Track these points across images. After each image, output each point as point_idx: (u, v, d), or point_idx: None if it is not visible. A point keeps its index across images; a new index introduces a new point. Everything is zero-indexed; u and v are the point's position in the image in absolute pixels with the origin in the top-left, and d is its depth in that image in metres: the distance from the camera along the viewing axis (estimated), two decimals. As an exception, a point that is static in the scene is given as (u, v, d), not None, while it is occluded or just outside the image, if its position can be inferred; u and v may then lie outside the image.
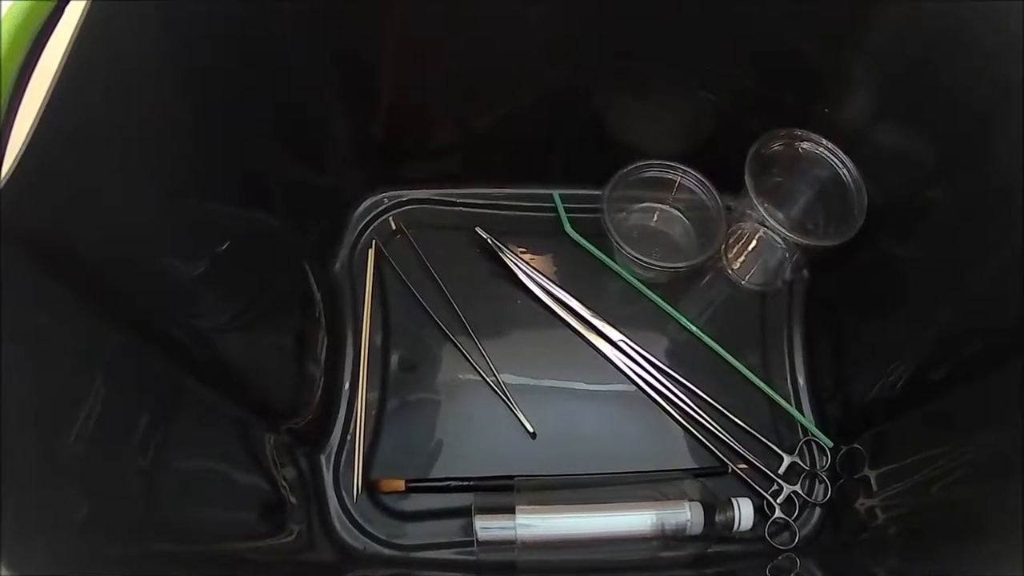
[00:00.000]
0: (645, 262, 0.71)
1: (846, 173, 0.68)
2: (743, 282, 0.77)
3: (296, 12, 0.58)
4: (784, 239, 0.72)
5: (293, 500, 0.64)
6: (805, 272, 0.77)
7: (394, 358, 0.73)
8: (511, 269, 0.75)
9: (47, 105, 0.39)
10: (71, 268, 0.42)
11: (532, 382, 0.73)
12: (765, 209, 0.65)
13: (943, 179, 0.60)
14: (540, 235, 0.78)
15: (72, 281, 0.42)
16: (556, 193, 0.78)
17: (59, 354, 0.41)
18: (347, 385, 0.72)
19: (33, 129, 0.39)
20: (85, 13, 0.42)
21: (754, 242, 0.76)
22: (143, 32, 0.47)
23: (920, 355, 0.63)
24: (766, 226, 0.68)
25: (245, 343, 0.62)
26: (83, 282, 0.43)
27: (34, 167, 0.38)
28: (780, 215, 0.71)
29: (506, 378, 0.72)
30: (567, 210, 0.78)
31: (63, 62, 0.41)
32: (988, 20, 0.53)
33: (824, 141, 0.68)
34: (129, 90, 0.46)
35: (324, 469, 0.69)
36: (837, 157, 0.68)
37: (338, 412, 0.71)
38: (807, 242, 0.67)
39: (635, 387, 0.73)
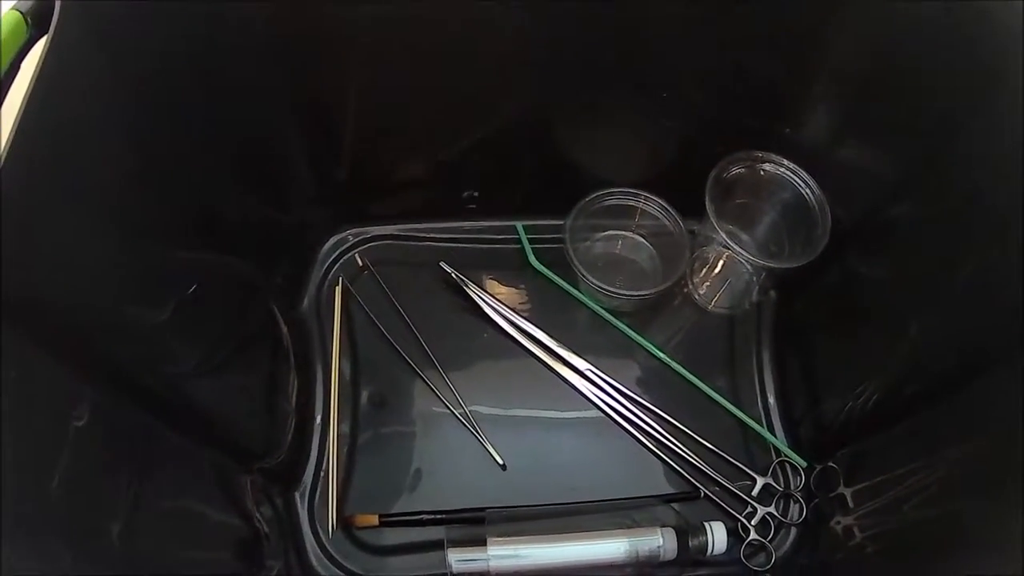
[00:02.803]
0: (609, 291, 0.72)
1: (809, 193, 0.68)
2: (710, 306, 0.78)
3: (254, 52, 0.59)
4: (749, 262, 0.72)
5: (270, 538, 0.64)
6: (772, 293, 0.77)
7: (364, 394, 0.73)
8: (477, 303, 0.75)
9: (3, 156, 0.40)
10: (36, 321, 0.42)
11: (501, 414, 0.73)
12: (728, 233, 0.66)
13: (905, 195, 0.61)
14: (506, 267, 0.79)
15: (38, 334, 0.42)
16: (519, 224, 0.79)
17: (30, 408, 0.41)
18: (318, 422, 0.72)
19: None
20: (40, 63, 0.43)
21: (719, 266, 0.77)
22: (97, 80, 0.48)
23: (891, 372, 0.63)
24: (731, 250, 0.68)
25: (215, 386, 0.62)
26: (49, 334, 0.43)
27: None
28: (744, 238, 0.71)
29: (475, 411, 0.72)
30: (532, 240, 0.78)
31: (20, 112, 0.41)
32: (947, 35, 0.53)
33: (785, 162, 0.69)
34: (84, 138, 0.46)
35: (299, 506, 0.69)
36: (799, 177, 0.68)
37: (310, 450, 0.71)
38: (772, 264, 0.67)
39: (604, 415, 0.73)
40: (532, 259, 0.77)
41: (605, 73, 0.66)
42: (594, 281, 0.72)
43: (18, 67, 0.43)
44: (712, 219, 0.66)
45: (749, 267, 0.75)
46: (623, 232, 0.78)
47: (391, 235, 0.79)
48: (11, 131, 0.40)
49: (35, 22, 0.44)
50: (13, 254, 0.40)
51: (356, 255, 0.78)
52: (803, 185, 0.68)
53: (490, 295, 0.75)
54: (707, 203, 0.67)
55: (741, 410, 0.73)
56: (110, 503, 0.46)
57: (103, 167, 0.49)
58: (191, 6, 0.52)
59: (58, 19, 0.43)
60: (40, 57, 0.43)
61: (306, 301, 0.77)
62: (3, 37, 0.42)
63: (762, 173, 0.69)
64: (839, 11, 0.59)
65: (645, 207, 0.75)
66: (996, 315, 0.51)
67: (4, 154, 0.39)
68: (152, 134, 0.53)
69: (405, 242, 0.79)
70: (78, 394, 0.45)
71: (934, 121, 0.57)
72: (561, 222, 0.75)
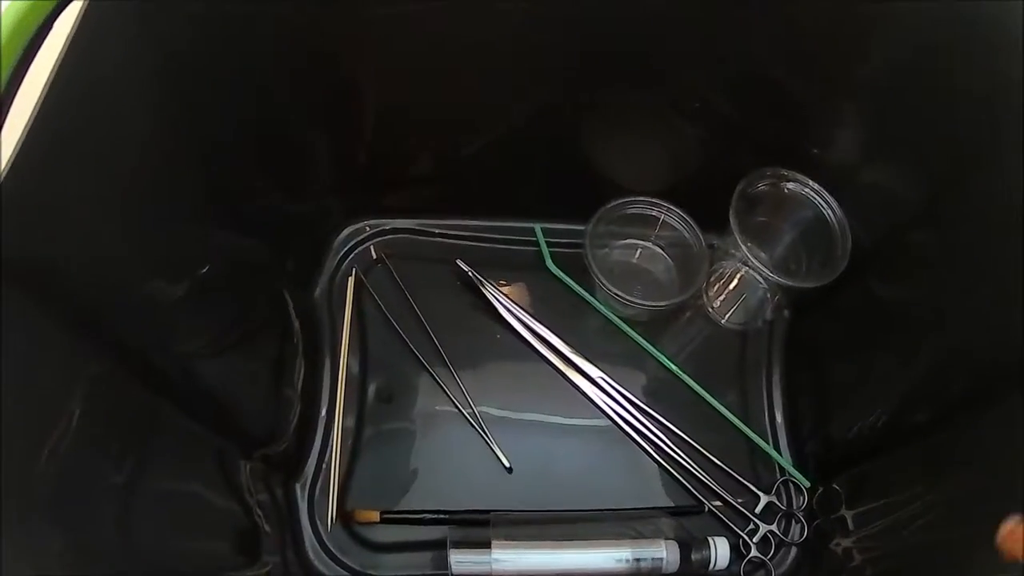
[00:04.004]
0: (625, 299, 0.71)
1: (831, 215, 0.68)
2: (723, 321, 0.77)
3: (279, 42, 0.58)
4: (766, 279, 0.72)
5: (267, 529, 0.63)
6: (786, 312, 0.77)
7: (372, 388, 0.73)
8: (491, 302, 0.74)
9: (31, 125, 0.39)
10: (49, 289, 0.41)
11: (510, 416, 0.72)
12: (748, 248, 0.66)
13: (924, 219, 0.61)
14: (521, 269, 0.78)
15: (49, 302, 0.41)
16: (538, 227, 0.78)
17: (33, 376, 0.40)
18: (324, 413, 0.71)
19: (16, 149, 0.38)
20: (71, 35, 0.42)
21: (735, 281, 0.77)
22: (127, 56, 0.47)
23: (899, 396, 0.64)
24: (749, 265, 0.68)
25: (222, 368, 0.61)
26: (60, 304, 0.42)
27: (14, 187, 0.38)
28: (763, 255, 0.71)
29: (483, 411, 0.72)
30: (549, 244, 0.78)
31: (48, 82, 0.40)
32: (977, 59, 0.54)
33: (810, 182, 0.68)
34: (110, 113, 0.46)
35: (299, 498, 0.68)
36: (822, 198, 0.68)
37: (314, 441, 0.70)
38: (789, 283, 0.67)
39: (613, 424, 0.72)
40: (549, 263, 0.77)
41: (630, 76, 0.65)
42: (612, 288, 0.71)
43: (51, 26, 0.42)
44: (736, 233, 0.66)
45: (765, 284, 0.75)
46: (642, 242, 0.78)
47: (407, 228, 0.79)
48: (41, 93, 0.40)
49: None
50: (33, 220, 0.40)
51: (371, 246, 0.78)
52: (825, 206, 0.68)
53: (505, 295, 0.75)
54: (731, 217, 0.66)
55: (749, 426, 0.73)
56: (107, 484, 0.45)
57: (127, 140, 0.48)
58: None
59: None
60: (76, 19, 0.43)
61: (318, 290, 0.76)
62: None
63: (786, 191, 0.69)
64: (866, 32, 0.59)
65: (667, 218, 0.75)
66: (1006, 343, 0.52)
67: (33, 117, 0.39)
68: (177, 110, 0.53)
69: (421, 237, 0.79)
70: (83, 368, 0.44)
71: (957, 151, 0.57)
72: (578, 227, 0.75)
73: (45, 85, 0.40)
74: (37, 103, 0.40)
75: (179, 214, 0.55)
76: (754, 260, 0.66)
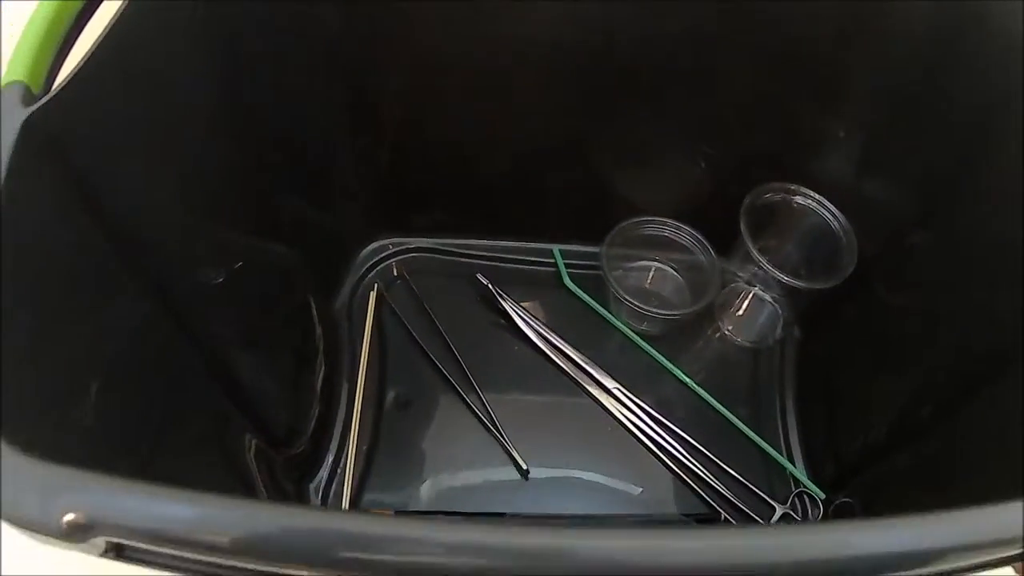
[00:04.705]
0: (641, 308, 0.73)
1: (836, 224, 0.71)
2: (736, 340, 0.79)
3: (314, 57, 0.63)
4: (772, 295, 0.75)
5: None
6: (796, 331, 0.78)
7: (390, 395, 0.74)
8: (510, 316, 0.76)
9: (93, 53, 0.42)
10: (101, 215, 0.43)
11: (526, 425, 0.73)
12: (758, 251, 0.68)
13: (925, 225, 0.63)
14: (539, 286, 0.80)
15: (99, 225, 0.43)
16: (556, 248, 0.81)
17: (71, 287, 0.41)
18: (341, 416, 0.72)
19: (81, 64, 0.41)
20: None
21: (746, 302, 0.79)
22: (178, 25, 0.50)
23: (907, 406, 0.64)
24: (757, 277, 0.71)
25: (249, 359, 0.62)
26: (108, 231, 0.44)
27: (88, 91, 0.40)
28: (771, 263, 0.73)
29: (500, 418, 0.72)
30: (566, 265, 0.80)
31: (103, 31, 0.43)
32: (972, 70, 0.57)
33: (814, 194, 0.71)
34: (156, 81, 0.48)
35: (313, 499, 0.68)
36: (826, 208, 0.71)
37: (330, 444, 0.71)
38: (800, 284, 0.69)
39: (628, 433, 0.73)
40: (567, 280, 0.79)
41: (644, 106, 0.69)
42: (627, 298, 0.73)
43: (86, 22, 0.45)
44: (747, 240, 0.68)
45: (774, 304, 0.77)
46: (655, 262, 0.81)
47: (429, 248, 0.81)
48: (103, 32, 0.42)
49: None
50: (97, 133, 0.42)
51: (393, 263, 0.80)
52: (830, 216, 0.71)
53: (524, 310, 0.77)
54: (741, 224, 0.69)
55: (763, 439, 0.73)
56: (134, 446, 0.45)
57: (180, 100, 0.51)
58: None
59: None
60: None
61: (340, 301, 0.78)
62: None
63: (794, 205, 0.72)
64: (863, 48, 0.63)
65: (677, 237, 0.78)
66: (1005, 340, 0.53)
67: (89, 54, 0.41)
68: (219, 97, 0.56)
69: (442, 256, 0.81)
70: (120, 294, 0.45)
71: (952, 160, 0.60)
72: (593, 249, 0.78)
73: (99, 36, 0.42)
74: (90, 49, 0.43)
75: (220, 207, 0.58)
76: (764, 264, 0.68)
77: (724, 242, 0.76)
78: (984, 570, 0.32)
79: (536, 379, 0.76)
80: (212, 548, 0.23)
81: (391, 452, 0.71)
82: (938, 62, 0.59)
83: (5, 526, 0.53)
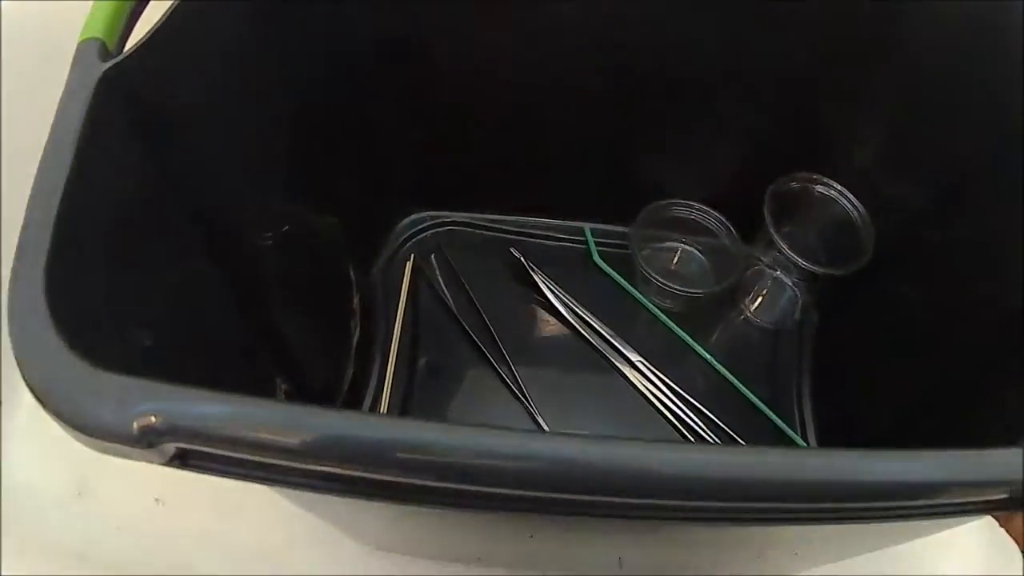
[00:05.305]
0: (667, 285, 0.77)
1: (855, 213, 0.73)
2: (757, 321, 0.82)
3: (367, 45, 0.67)
4: (793, 281, 0.77)
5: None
6: (815, 316, 0.81)
7: (421, 361, 0.77)
8: (541, 290, 0.80)
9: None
10: (165, 170, 0.46)
11: (552, 394, 0.76)
12: (780, 236, 0.71)
13: (939, 216, 0.66)
14: (569, 264, 0.83)
15: (163, 177, 0.46)
16: (587, 227, 0.84)
17: (135, 230, 0.43)
18: (374, 380, 0.75)
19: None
20: None
21: (768, 286, 0.81)
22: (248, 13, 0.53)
23: (918, 395, 0.66)
24: (779, 262, 0.74)
25: (290, 316, 0.66)
26: (171, 184, 0.47)
27: (161, 51, 0.43)
28: (792, 248, 0.75)
29: (528, 387, 0.75)
30: (595, 243, 0.84)
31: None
32: (988, 69, 0.59)
33: (835, 184, 0.74)
34: (233, 56, 0.52)
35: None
36: (847, 199, 0.74)
37: (361, 404, 0.74)
38: (818, 270, 0.72)
39: (649, 405, 0.76)
40: (596, 257, 0.82)
41: (677, 97, 0.72)
42: (655, 276, 0.77)
43: None
44: (769, 225, 0.71)
45: (793, 286, 0.80)
46: (682, 243, 0.84)
47: (465, 222, 0.85)
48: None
49: None
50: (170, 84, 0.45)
51: (429, 235, 0.84)
52: (851, 207, 0.74)
53: (555, 284, 0.80)
54: (765, 212, 0.72)
55: (779, 417, 0.76)
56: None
57: (248, 64, 0.54)
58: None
59: None
60: None
61: (377, 269, 0.81)
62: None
63: (815, 194, 0.75)
64: (886, 48, 0.65)
65: (703, 221, 0.81)
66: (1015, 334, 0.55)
67: (163, 19, 0.44)
68: (280, 70, 0.59)
69: (477, 230, 0.85)
70: (186, 248, 0.49)
71: (966, 145, 0.62)
72: (622, 229, 0.81)
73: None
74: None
75: (278, 176, 0.62)
76: (785, 249, 0.71)
77: (748, 227, 0.78)
78: (973, 513, 0.34)
79: (564, 351, 0.79)
80: (280, 449, 0.26)
81: (421, 416, 0.75)
82: (956, 61, 0.61)
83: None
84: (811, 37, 0.66)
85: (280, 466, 0.27)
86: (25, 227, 0.32)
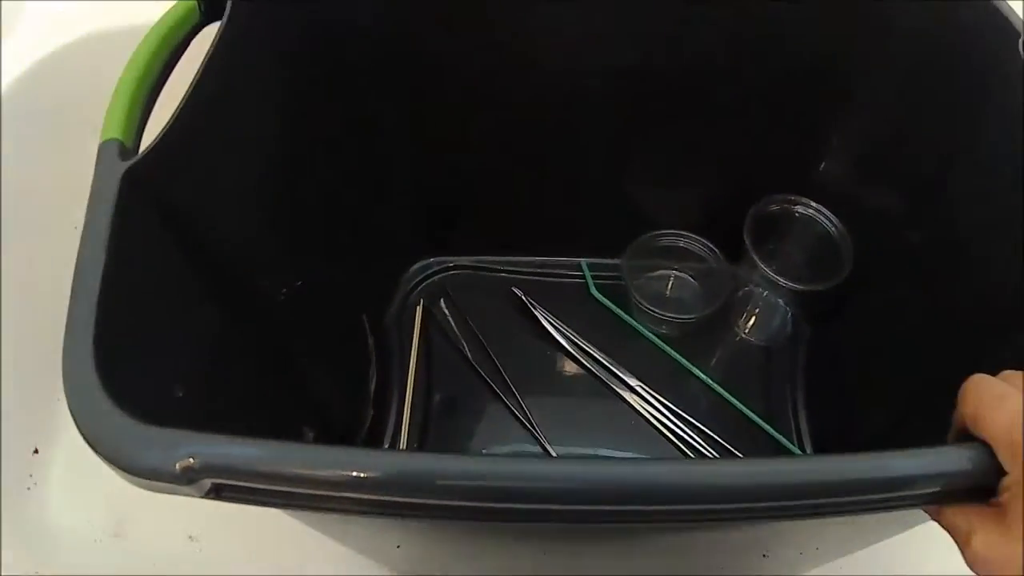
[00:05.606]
0: (658, 313, 0.82)
1: (833, 230, 0.78)
2: (750, 340, 0.86)
3: (384, 85, 0.73)
4: (781, 297, 0.82)
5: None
6: (806, 329, 0.86)
7: (436, 398, 0.82)
8: (543, 325, 0.85)
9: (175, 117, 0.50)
10: (186, 245, 0.51)
11: (558, 421, 0.81)
12: (760, 259, 0.76)
13: (915, 223, 0.70)
14: (568, 297, 0.88)
15: (186, 253, 0.51)
16: (584, 261, 0.90)
17: (162, 300, 0.48)
18: (392, 418, 0.80)
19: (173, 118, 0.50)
20: (213, 45, 0.53)
21: (759, 305, 0.86)
22: (258, 66, 0.59)
23: (911, 398, 0.68)
24: (765, 282, 0.78)
25: (311, 366, 0.71)
26: (192, 258, 0.52)
27: (174, 147, 0.48)
28: (775, 268, 0.79)
29: (536, 417, 0.80)
30: (592, 276, 0.89)
31: (193, 81, 0.51)
32: (954, 77, 0.64)
33: (812, 203, 0.79)
34: (240, 116, 0.57)
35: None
36: (825, 216, 0.79)
37: (382, 443, 0.79)
38: (803, 287, 0.76)
39: (651, 428, 0.80)
40: (593, 290, 0.88)
41: (660, 133, 0.78)
42: (646, 304, 0.82)
43: (187, 44, 0.54)
44: (749, 248, 0.76)
45: (783, 302, 0.85)
46: (673, 270, 0.89)
47: (469, 265, 0.90)
48: (184, 96, 0.50)
49: (208, 8, 0.54)
50: (187, 180, 0.51)
51: (436, 279, 0.90)
52: (829, 224, 0.78)
53: (555, 319, 0.85)
54: (745, 235, 0.77)
55: (777, 431, 0.80)
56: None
57: (253, 146, 0.60)
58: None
59: (231, 7, 0.54)
60: (213, 39, 0.54)
61: (390, 315, 0.87)
62: (176, 18, 0.53)
63: (795, 214, 0.80)
64: (860, 65, 0.71)
65: (691, 247, 0.86)
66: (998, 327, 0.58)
67: (175, 116, 0.49)
68: (294, 124, 0.65)
69: (481, 272, 0.90)
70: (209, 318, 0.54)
71: (937, 157, 0.67)
72: (616, 261, 0.86)
73: (190, 85, 0.51)
74: (184, 97, 0.50)
75: (294, 237, 0.67)
76: (767, 271, 0.76)
77: (736, 250, 0.83)
78: (915, 505, 0.38)
79: (567, 381, 0.84)
80: (282, 478, 0.32)
81: (438, 449, 0.80)
82: (925, 72, 0.67)
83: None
84: (791, 61, 0.72)
85: (290, 492, 0.33)
86: (71, 309, 0.38)
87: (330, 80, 0.69)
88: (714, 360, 0.85)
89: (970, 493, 0.36)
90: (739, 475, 0.35)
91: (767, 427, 0.80)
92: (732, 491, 0.35)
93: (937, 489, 0.35)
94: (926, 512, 0.39)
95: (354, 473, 0.32)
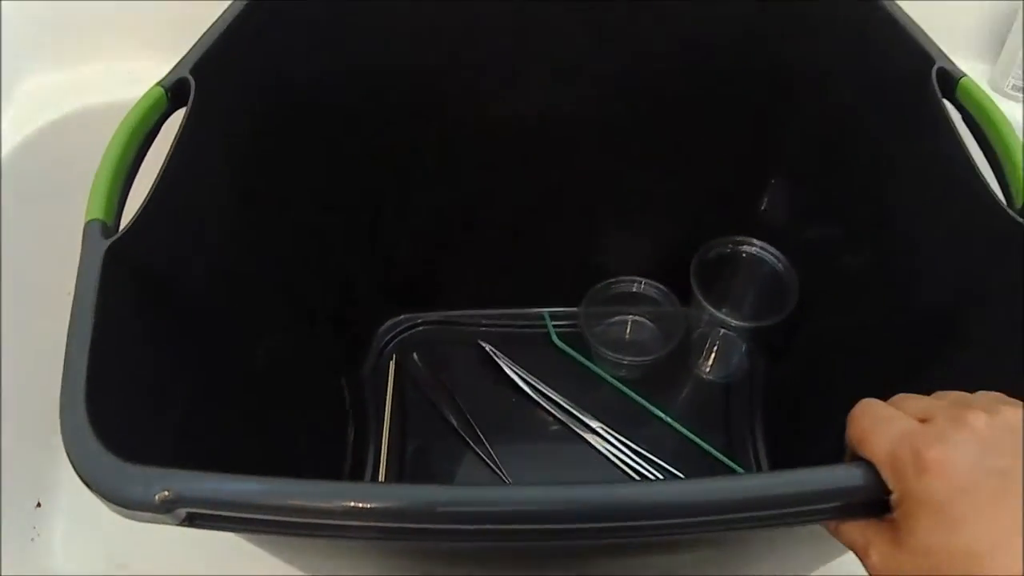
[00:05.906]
0: (615, 357, 0.86)
1: (780, 265, 0.83)
2: (708, 377, 0.91)
3: (350, 158, 0.78)
4: (731, 327, 0.87)
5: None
6: (761, 363, 0.90)
7: (410, 447, 0.86)
8: (509, 376, 0.89)
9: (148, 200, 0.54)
10: (166, 309, 0.56)
11: (525, 465, 0.85)
12: (712, 303, 0.80)
13: (855, 251, 0.74)
14: (532, 346, 0.93)
15: (165, 316, 0.56)
16: (545, 311, 0.94)
17: (145, 359, 0.53)
18: (369, 467, 0.84)
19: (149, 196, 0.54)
20: (180, 129, 0.58)
21: (716, 344, 0.91)
22: (221, 146, 0.64)
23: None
24: (715, 321, 0.83)
25: (289, 422, 0.75)
26: (172, 320, 0.57)
27: (150, 223, 0.53)
28: (725, 307, 0.85)
29: (503, 461, 0.84)
30: (554, 325, 0.93)
31: (163, 165, 0.56)
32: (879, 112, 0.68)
33: (756, 242, 0.84)
34: (207, 191, 0.62)
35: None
36: (769, 252, 0.83)
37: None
38: (751, 325, 0.81)
39: (612, 465, 0.84)
40: (555, 338, 0.92)
41: (607, 193, 0.84)
42: (603, 349, 0.86)
43: (158, 129, 0.59)
44: (697, 293, 0.81)
45: (738, 339, 0.89)
46: (630, 315, 0.93)
47: (437, 320, 0.95)
48: (156, 177, 0.55)
49: (173, 96, 0.59)
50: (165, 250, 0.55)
51: (407, 335, 0.94)
52: (774, 260, 0.83)
53: (520, 368, 0.90)
54: (692, 279, 0.82)
55: (737, 464, 0.84)
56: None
57: (220, 220, 0.65)
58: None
59: (194, 95, 0.59)
60: (180, 124, 0.58)
61: (365, 372, 0.91)
62: (146, 108, 0.58)
63: (742, 255, 0.84)
64: (793, 109, 0.77)
65: (645, 292, 0.91)
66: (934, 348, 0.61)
67: (148, 197, 0.54)
68: (258, 198, 0.69)
69: (448, 326, 0.95)
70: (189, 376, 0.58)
71: (864, 185, 0.71)
72: (576, 309, 0.91)
73: (160, 169, 0.55)
74: (154, 181, 0.55)
75: (267, 304, 0.72)
76: (718, 313, 0.81)
77: (689, 291, 0.86)
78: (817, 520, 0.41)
79: (532, 426, 0.88)
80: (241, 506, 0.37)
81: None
82: (849, 102, 0.72)
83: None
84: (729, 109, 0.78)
85: (253, 519, 0.37)
86: (66, 368, 0.43)
87: (289, 155, 0.74)
88: (675, 399, 0.89)
89: (865, 508, 0.38)
90: (648, 494, 0.38)
91: (728, 461, 0.84)
92: (639, 509, 0.38)
93: (830, 505, 0.38)
94: (825, 528, 0.42)
95: (299, 503, 0.37)
